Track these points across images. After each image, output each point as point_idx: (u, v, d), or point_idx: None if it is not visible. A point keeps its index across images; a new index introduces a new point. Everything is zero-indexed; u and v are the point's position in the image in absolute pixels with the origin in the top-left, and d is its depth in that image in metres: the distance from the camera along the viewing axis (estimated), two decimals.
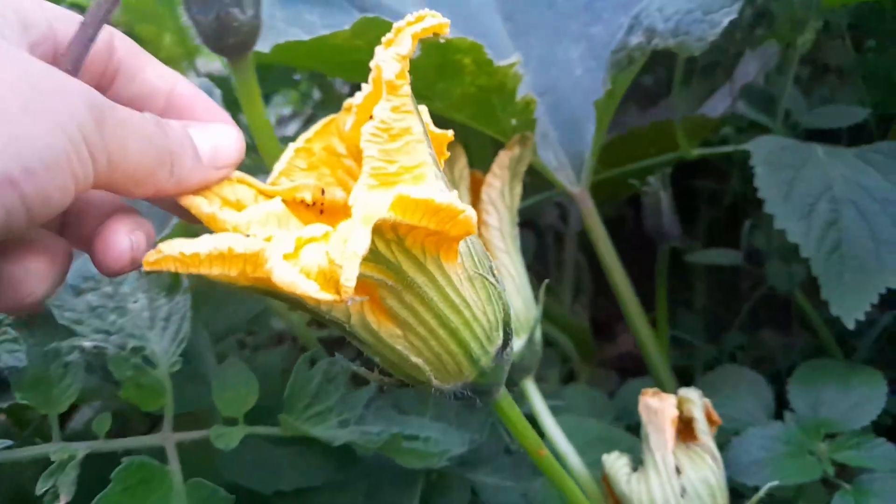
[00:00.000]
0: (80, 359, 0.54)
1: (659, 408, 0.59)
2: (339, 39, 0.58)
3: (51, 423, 0.53)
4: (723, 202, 1.05)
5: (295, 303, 0.40)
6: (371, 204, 0.36)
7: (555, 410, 0.79)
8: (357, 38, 0.58)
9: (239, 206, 0.42)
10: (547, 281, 0.67)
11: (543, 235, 1.11)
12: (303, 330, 0.80)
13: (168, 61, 0.50)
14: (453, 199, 0.37)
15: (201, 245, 0.36)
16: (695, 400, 0.60)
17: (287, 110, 1.23)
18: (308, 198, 0.44)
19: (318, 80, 0.97)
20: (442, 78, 0.62)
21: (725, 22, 0.57)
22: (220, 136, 0.42)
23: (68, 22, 0.39)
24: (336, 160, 0.46)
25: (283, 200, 0.41)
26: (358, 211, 0.36)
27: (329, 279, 0.35)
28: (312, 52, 0.60)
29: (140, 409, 0.54)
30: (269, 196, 0.43)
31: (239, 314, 0.67)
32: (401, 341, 0.42)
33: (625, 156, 0.92)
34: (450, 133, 0.46)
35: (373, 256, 0.37)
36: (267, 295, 0.39)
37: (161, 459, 0.53)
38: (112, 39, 0.42)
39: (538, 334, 0.68)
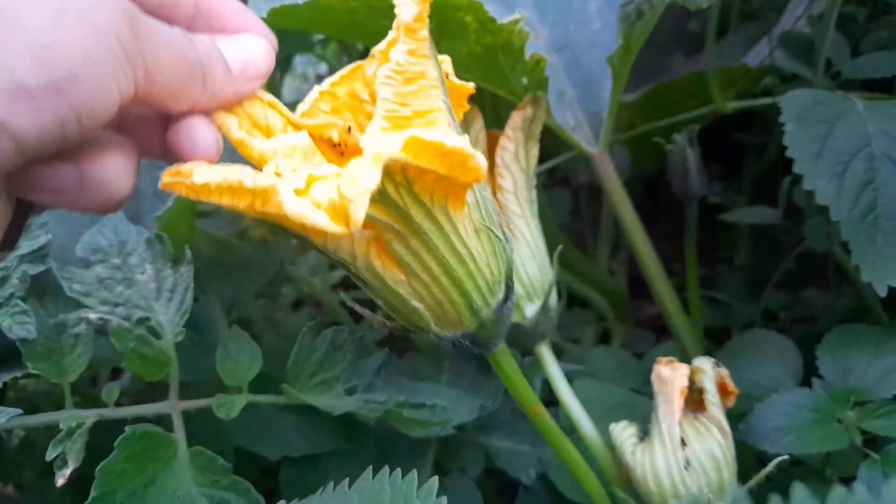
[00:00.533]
0: (88, 330, 0.55)
1: (669, 377, 0.58)
2: (334, 2, 0.57)
3: (64, 391, 0.55)
4: (767, 156, 1.00)
5: (303, 238, 0.40)
6: (383, 145, 0.36)
7: (578, 375, 0.78)
8: (352, 0, 0.57)
9: (268, 132, 0.42)
10: (561, 247, 0.65)
11: (578, 192, 1.08)
12: (326, 295, 0.80)
13: None
14: (464, 143, 0.37)
15: (213, 174, 0.36)
16: (706, 370, 0.58)
17: (323, 67, 1.23)
18: (335, 136, 0.44)
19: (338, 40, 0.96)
20: (445, 38, 0.60)
21: None
22: (248, 48, 0.41)
23: None
24: (358, 105, 0.47)
25: (310, 135, 0.41)
26: (369, 151, 0.36)
27: (338, 214, 0.35)
28: (310, 15, 0.59)
29: (144, 379, 0.55)
30: (298, 128, 0.43)
31: (251, 283, 0.67)
32: (403, 286, 0.43)
33: (664, 107, 0.88)
34: (470, 85, 0.46)
35: (381, 199, 0.38)
36: (275, 228, 0.40)
37: (170, 427, 0.55)
38: None
39: (553, 300, 0.66)
